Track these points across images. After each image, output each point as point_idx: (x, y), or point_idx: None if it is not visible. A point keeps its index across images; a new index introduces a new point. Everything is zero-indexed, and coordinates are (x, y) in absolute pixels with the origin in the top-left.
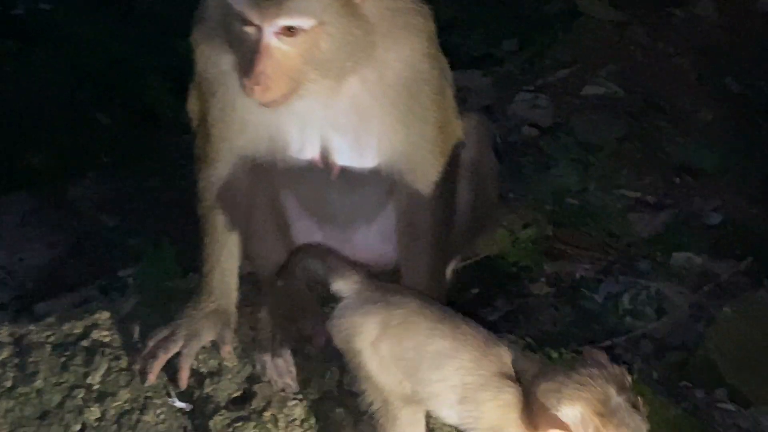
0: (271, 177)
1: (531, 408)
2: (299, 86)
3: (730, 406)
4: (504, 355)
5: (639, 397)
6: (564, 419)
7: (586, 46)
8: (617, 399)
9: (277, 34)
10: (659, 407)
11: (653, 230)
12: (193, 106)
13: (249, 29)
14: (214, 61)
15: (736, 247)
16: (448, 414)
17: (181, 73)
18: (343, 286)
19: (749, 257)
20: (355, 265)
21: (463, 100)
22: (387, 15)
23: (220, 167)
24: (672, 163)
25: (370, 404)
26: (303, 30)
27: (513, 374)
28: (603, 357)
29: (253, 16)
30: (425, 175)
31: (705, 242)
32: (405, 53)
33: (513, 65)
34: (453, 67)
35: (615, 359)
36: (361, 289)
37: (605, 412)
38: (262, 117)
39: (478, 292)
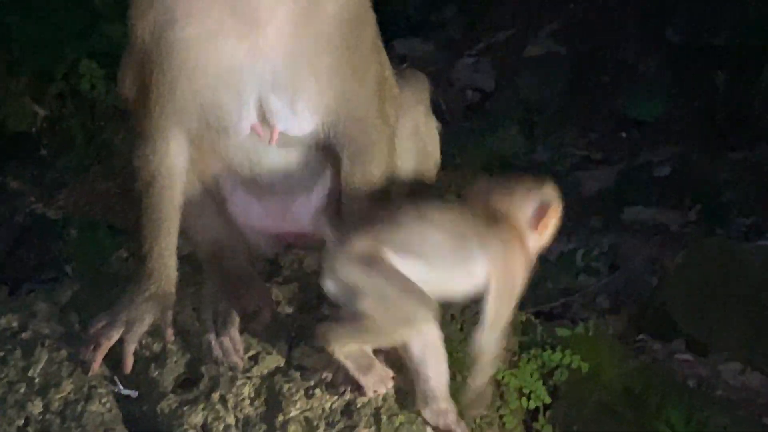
0: (207, 153)
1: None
2: None
3: (688, 356)
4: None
5: None
6: (546, 197)
7: (525, 6)
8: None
9: None
10: (618, 361)
11: (602, 186)
12: (127, 83)
13: None
14: (157, 32)
15: (685, 197)
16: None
17: (113, 59)
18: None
19: (698, 206)
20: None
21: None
22: None
23: (157, 143)
24: (617, 118)
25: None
26: None
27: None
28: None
29: None
30: (364, 134)
31: (655, 194)
32: None
33: (453, 30)
34: (392, 35)
35: (571, 317)
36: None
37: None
38: (201, 86)
39: None
